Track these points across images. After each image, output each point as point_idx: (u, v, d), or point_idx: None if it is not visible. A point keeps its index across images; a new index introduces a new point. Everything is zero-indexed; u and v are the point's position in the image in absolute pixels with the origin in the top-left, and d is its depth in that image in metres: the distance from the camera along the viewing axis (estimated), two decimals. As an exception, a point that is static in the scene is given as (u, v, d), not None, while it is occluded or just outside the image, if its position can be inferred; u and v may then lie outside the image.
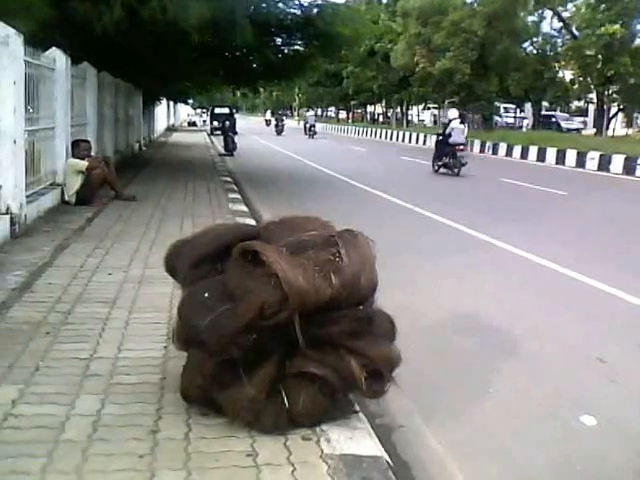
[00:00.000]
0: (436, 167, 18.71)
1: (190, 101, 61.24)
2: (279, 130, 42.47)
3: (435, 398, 3.87)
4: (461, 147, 18.09)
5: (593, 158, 21.12)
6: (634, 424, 3.64)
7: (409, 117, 60.68)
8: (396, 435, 3.40)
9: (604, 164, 20.44)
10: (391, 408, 3.57)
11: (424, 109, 62.67)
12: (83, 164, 9.53)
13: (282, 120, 44.03)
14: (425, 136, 35.82)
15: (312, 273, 2.85)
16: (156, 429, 2.92)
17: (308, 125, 41.02)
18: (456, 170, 17.92)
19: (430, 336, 4.87)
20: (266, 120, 56.14)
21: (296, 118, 75.99)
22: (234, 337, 2.85)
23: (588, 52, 34.48)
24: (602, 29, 32.14)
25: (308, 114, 45.93)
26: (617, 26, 32.00)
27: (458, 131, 18.34)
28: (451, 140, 18.02)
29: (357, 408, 3.23)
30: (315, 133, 40.09)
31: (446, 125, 19.67)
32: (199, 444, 2.80)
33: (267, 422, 2.90)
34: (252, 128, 49.83)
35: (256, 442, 2.83)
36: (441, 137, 18.85)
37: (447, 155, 18.31)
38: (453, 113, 19.68)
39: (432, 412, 3.66)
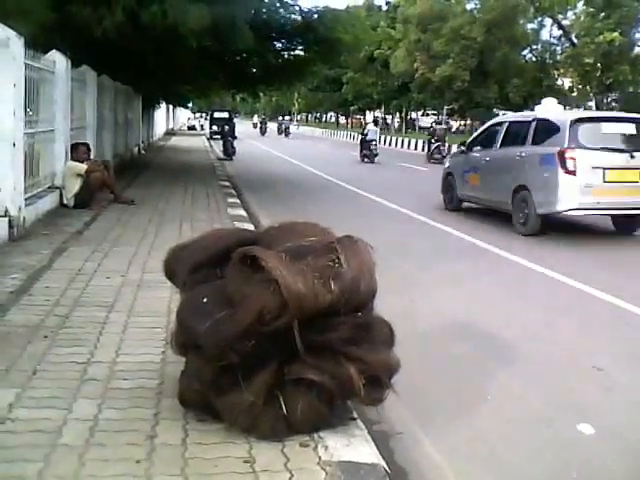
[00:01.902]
0: (360, 158, 25.31)
1: (189, 105, 61.53)
2: (263, 131, 51.28)
3: (433, 405, 3.86)
4: (374, 143, 24.92)
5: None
6: (632, 432, 3.63)
7: (417, 122, 60.59)
8: (394, 442, 3.39)
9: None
10: (389, 415, 3.55)
11: (422, 115, 62.78)
12: (82, 167, 9.53)
13: (265, 123, 53.68)
14: (424, 142, 35.63)
15: (311, 279, 2.84)
16: (153, 434, 2.91)
17: (283, 127, 51.79)
18: (371, 159, 24.54)
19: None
20: (253, 123, 64.41)
21: (294, 124, 76.03)
22: (232, 342, 2.84)
23: (587, 60, 34.51)
24: (601, 37, 32.19)
25: (284, 119, 59.25)
26: (616, 34, 32.04)
27: (372, 132, 25.47)
28: (367, 138, 25.08)
29: (355, 415, 3.22)
30: (289, 133, 49.72)
31: (364, 127, 28.41)
32: (196, 450, 2.79)
33: (265, 428, 2.89)
34: (250, 133, 50.58)
35: (253, 448, 2.82)
36: (362, 136, 25.98)
37: (366, 148, 24.99)
38: (369, 118, 29.11)
39: (430, 419, 3.65)
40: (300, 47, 16.70)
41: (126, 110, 18.35)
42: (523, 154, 10.05)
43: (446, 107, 46.76)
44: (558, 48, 41.35)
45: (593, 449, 3.43)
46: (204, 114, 64.42)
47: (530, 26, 42.22)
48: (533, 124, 10.18)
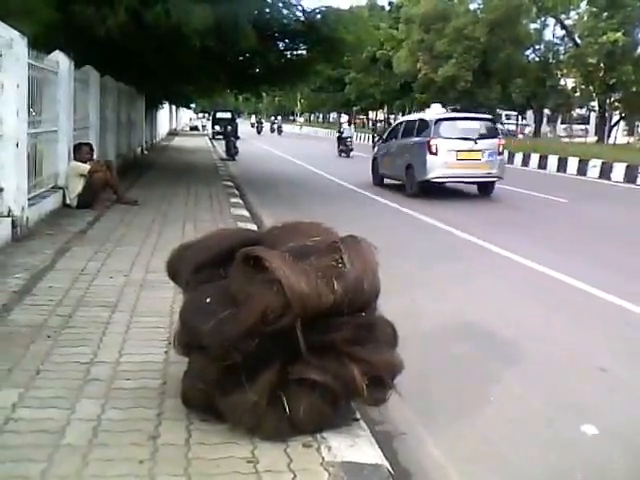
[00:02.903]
0: (338, 153, 28.26)
1: (192, 105, 61.61)
2: (259, 130, 54.71)
3: (435, 405, 3.86)
4: (349, 139, 28.03)
5: (595, 166, 21.08)
6: (635, 432, 3.62)
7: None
8: (397, 443, 3.38)
9: (605, 172, 20.40)
10: (392, 415, 3.55)
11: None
12: (85, 167, 9.53)
13: (261, 123, 57.78)
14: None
15: (315, 279, 2.84)
16: (156, 434, 2.91)
17: (275, 126, 55.70)
18: (347, 153, 27.67)
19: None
20: (251, 123, 67.12)
21: (297, 124, 76.18)
22: (236, 342, 2.83)
23: (590, 60, 34.52)
24: (604, 37, 32.19)
25: (276, 119, 61.96)
26: (619, 34, 32.04)
27: (347, 130, 28.83)
28: (343, 135, 28.22)
29: (358, 415, 3.21)
30: (282, 131, 53.73)
31: (340, 125, 32.89)
32: (199, 450, 2.79)
33: (268, 428, 2.89)
34: (252, 133, 51.18)
35: (257, 449, 2.82)
36: (339, 134, 29.26)
37: (342, 144, 27.99)
38: (344, 118, 35.45)
39: (433, 419, 3.65)
40: (303, 47, 16.67)
41: (129, 110, 18.36)
42: (411, 142, 14.80)
43: (449, 107, 46.70)
44: (561, 48, 41.38)
45: (597, 449, 3.43)
46: (207, 114, 64.57)
47: (533, 26, 42.22)
48: (417, 122, 15.12)
